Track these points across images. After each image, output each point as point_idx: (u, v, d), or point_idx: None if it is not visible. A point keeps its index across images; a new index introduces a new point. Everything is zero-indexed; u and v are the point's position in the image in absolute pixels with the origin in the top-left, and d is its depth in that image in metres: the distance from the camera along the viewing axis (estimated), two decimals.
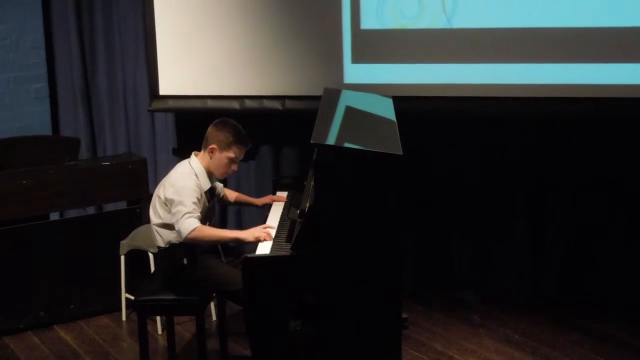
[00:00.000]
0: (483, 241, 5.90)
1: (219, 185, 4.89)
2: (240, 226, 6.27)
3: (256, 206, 5.10)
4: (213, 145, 4.50)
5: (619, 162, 5.57)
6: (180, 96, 6.04)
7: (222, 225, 6.27)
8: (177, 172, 4.54)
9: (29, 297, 5.48)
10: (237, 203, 5.13)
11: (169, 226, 4.46)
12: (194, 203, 4.37)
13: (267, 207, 4.96)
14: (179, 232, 4.35)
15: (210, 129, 4.55)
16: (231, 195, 5.04)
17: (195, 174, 4.49)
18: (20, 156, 5.60)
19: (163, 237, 4.52)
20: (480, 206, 5.85)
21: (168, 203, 4.42)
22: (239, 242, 4.56)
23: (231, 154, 4.52)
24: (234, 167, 4.58)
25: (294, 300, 4.43)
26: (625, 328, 5.30)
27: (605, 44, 5.25)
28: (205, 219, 4.49)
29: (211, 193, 4.63)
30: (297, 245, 4.00)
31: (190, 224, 4.31)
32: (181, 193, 4.37)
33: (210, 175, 4.57)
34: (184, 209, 4.33)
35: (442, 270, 6.02)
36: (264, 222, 4.68)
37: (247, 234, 4.39)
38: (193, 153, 4.60)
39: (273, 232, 4.43)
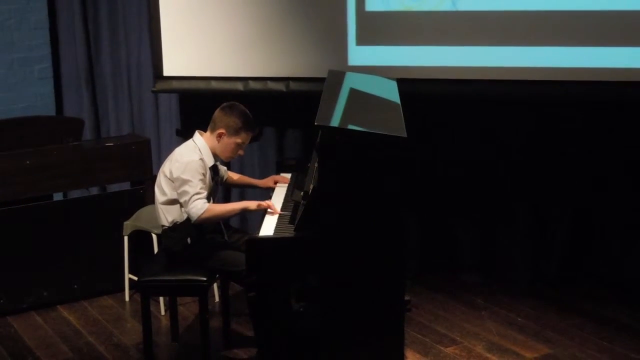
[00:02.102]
0: (486, 224, 5.91)
1: (223, 168, 4.90)
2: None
3: (259, 187, 5.11)
4: (222, 130, 4.52)
5: (622, 146, 5.56)
6: (184, 77, 6.03)
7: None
8: (181, 148, 4.58)
9: (33, 277, 5.50)
10: (240, 184, 5.15)
11: (175, 202, 4.48)
12: (200, 180, 4.41)
13: (271, 190, 4.96)
14: (189, 215, 4.41)
15: (219, 113, 4.56)
16: (234, 176, 5.05)
17: (200, 150, 4.52)
18: (23, 137, 5.60)
19: (168, 216, 4.53)
20: (484, 189, 5.85)
21: (174, 180, 4.44)
22: (246, 211, 4.62)
23: (239, 140, 4.55)
24: (241, 151, 4.62)
25: (296, 282, 4.44)
26: (626, 311, 5.31)
27: (615, 28, 5.22)
28: (209, 196, 4.52)
29: (214, 170, 4.64)
30: (301, 227, 4.01)
31: (199, 207, 4.37)
32: (187, 170, 4.40)
33: (215, 155, 4.59)
34: (192, 190, 4.37)
35: (445, 253, 6.02)
36: (269, 197, 4.74)
37: (252, 202, 4.52)
38: (197, 131, 4.62)
39: (277, 208, 4.47)
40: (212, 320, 5.09)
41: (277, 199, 4.72)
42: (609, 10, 5.21)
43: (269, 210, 4.45)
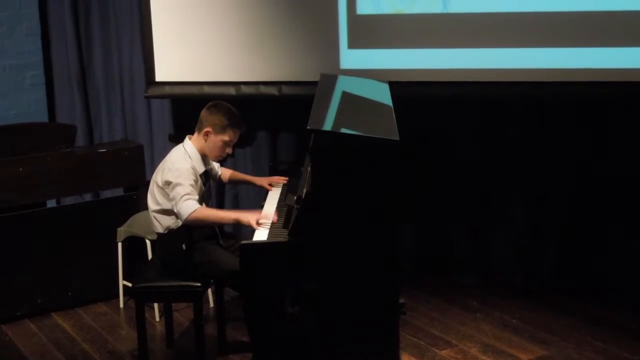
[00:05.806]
0: (481, 226, 5.91)
1: (216, 165, 4.90)
2: (237, 209, 6.26)
3: (252, 184, 5.10)
4: (208, 129, 4.52)
5: (616, 146, 5.56)
6: (177, 82, 6.03)
7: (219, 207, 6.26)
8: (172, 156, 4.57)
9: (27, 285, 5.48)
10: (235, 181, 5.15)
11: (168, 212, 4.47)
12: (191, 185, 4.40)
13: (265, 193, 4.95)
14: (178, 214, 4.38)
15: (205, 112, 4.58)
16: (227, 173, 5.04)
17: (190, 157, 4.52)
18: (16, 144, 5.59)
19: (162, 223, 4.53)
20: (478, 191, 5.85)
21: (165, 186, 4.44)
22: (237, 223, 4.55)
23: (226, 137, 4.55)
24: (229, 150, 4.61)
25: (291, 286, 4.43)
26: (621, 312, 5.31)
27: (603, 28, 5.23)
28: (201, 201, 4.50)
29: (206, 176, 4.64)
30: (294, 232, 4.00)
31: (190, 206, 4.34)
32: (178, 175, 4.40)
33: (204, 158, 4.59)
34: (182, 191, 4.37)
35: (440, 256, 6.02)
36: (261, 206, 4.70)
37: (246, 217, 4.36)
38: (187, 137, 4.62)
39: (272, 214, 4.45)
40: (207, 326, 5.08)
41: (271, 203, 4.71)
42: (600, 11, 5.22)
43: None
